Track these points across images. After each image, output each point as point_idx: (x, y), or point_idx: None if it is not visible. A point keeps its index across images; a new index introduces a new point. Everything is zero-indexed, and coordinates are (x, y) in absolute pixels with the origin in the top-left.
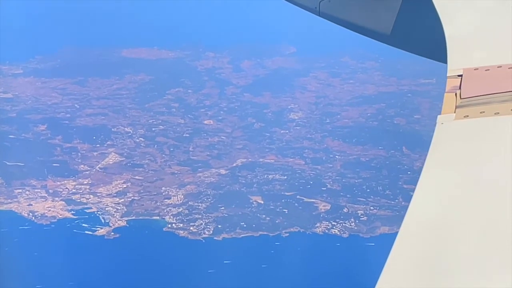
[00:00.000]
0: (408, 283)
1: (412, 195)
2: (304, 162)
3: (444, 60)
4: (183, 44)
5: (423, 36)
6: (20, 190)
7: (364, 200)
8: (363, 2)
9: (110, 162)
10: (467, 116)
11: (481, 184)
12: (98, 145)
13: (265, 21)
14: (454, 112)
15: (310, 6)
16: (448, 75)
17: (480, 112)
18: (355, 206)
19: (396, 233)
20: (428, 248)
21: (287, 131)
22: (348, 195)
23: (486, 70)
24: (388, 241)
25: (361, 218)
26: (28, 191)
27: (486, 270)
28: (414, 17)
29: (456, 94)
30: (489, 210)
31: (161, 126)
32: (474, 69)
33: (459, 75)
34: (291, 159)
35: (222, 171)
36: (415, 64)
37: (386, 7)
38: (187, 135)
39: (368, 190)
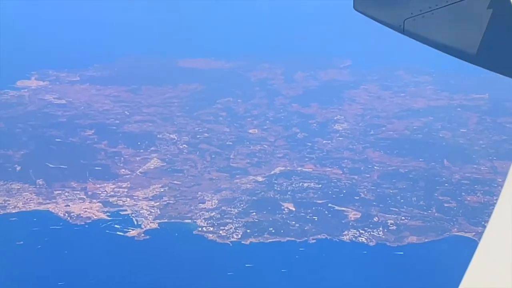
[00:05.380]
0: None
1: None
2: (341, 172)
3: None
4: (240, 55)
5: (509, 56)
6: (60, 192)
7: (396, 210)
8: (449, 21)
9: (151, 167)
10: None
11: None
12: (141, 151)
13: (324, 34)
14: None
15: (394, 24)
16: None
17: None
18: (386, 215)
19: (425, 243)
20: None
21: (329, 141)
22: (380, 205)
23: None
24: (415, 250)
25: (390, 228)
26: (68, 192)
27: None
28: (501, 37)
29: None
30: None
31: (206, 134)
32: None
33: None
34: (329, 169)
35: (259, 178)
36: (469, 79)
37: (472, 27)
38: (230, 143)
39: (402, 201)
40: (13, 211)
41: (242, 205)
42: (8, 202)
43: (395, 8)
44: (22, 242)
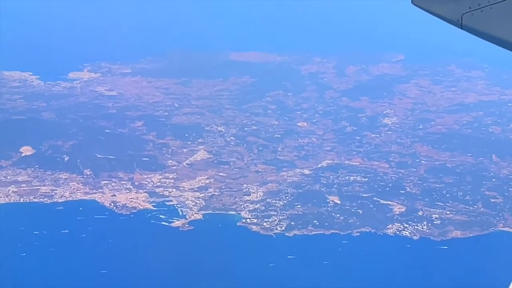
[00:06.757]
0: None
1: None
2: (388, 166)
3: None
4: (293, 48)
5: None
6: (107, 182)
7: (442, 204)
8: (508, 16)
9: (198, 159)
10: None
11: None
12: (189, 142)
13: (378, 28)
14: None
15: (452, 19)
16: None
17: None
18: (431, 210)
19: (469, 237)
20: None
21: (377, 135)
22: (426, 199)
23: None
24: (459, 245)
25: (434, 222)
26: (114, 182)
27: None
28: None
29: None
30: None
31: (254, 127)
32: None
33: None
34: (376, 162)
35: (306, 171)
36: None
37: None
38: (278, 135)
39: (448, 195)
40: (60, 201)
41: (287, 197)
42: (55, 191)
43: (454, 2)
44: (67, 231)
